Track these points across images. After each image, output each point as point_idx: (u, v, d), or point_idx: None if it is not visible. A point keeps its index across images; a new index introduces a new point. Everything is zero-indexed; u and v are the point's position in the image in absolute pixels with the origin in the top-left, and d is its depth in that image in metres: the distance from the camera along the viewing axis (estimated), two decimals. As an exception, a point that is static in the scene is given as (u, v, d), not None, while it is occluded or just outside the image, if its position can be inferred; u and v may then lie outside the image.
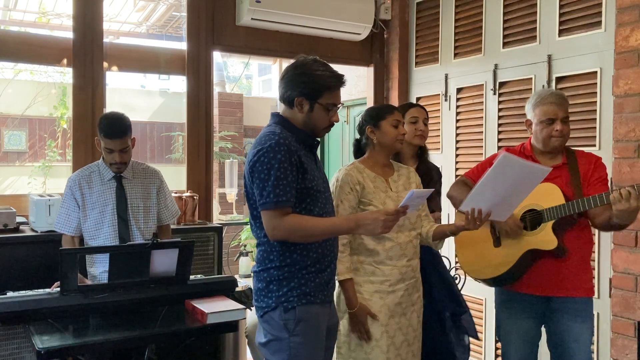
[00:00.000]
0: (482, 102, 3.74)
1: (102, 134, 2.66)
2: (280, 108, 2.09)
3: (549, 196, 2.31)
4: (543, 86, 3.33)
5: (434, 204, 2.74)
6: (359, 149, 2.52)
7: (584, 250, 2.37)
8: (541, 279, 2.36)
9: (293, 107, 2.01)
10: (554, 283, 2.34)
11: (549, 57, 3.31)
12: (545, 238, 2.30)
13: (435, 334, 2.68)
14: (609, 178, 2.43)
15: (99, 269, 2.69)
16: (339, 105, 2.05)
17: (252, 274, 2.09)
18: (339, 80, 2.02)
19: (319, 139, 2.11)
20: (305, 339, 1.97)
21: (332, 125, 2.08)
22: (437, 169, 2.90)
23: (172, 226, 3.07)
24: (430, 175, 2.74)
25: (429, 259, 2.60)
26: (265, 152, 1.90)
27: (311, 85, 1.98)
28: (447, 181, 3.81)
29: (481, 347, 3.73)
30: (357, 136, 2.54)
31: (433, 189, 2.15)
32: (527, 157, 2.42)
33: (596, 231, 2.96)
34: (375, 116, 2.41)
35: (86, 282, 2.65)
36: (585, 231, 2.38)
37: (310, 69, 1.99)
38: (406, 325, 2.36)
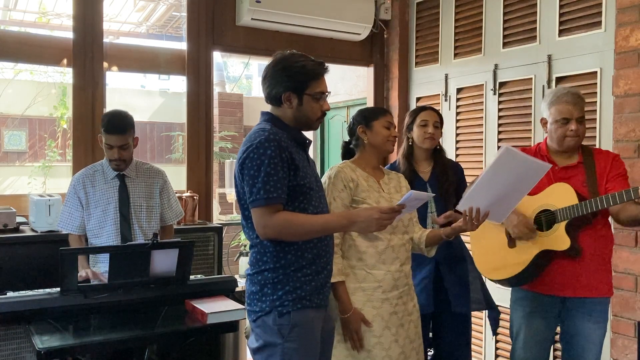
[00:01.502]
0: (482, 102, 3.74)
1: (103, 129, 2.69)
2: (268, 107, 2.04)
3: (563, 196, 2.29)
4: (543, 86, 3.33)
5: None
6: (347, 151, 2.47)
7: (601, 249, 2.34)
8: (557, 279, 2.34)
9: (281, 105, 1.97)
10: (570, 283, 2.33)
11: (549, 57, 3.31)
12: (558, 238, 2.29)
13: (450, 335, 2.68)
14: None
15: (101, 269, 2.68)
16: (326, 94, 2.01)
17: (246, 277, 2.02)
18: (322, 67, 1.98)
19: (310, 139, 2.06)
20: (300, 344, 1.90)
21: (324, 115, 2.03)
22: (455, 166, 2.86)
23: (173, 225, 3.07)
24: (445, 176, 2.71)
25: (446, 255, 2.60)
26: (255, 148, 1.86)
27: (296, 77, 1.93)
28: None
29: (481, 347, 3.73)
30: (347, 138, 2.48)
31: (433, 194, 2.11)
32: (543, 157, 2.39)
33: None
34: (367, 116, 2.37)
35: (98, 275, 2.63)
36: (603, 230, 2.35)
37: (291, 62, 1.95)
38: (403, 336, 2.25)
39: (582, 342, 2.34)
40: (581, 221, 2.28)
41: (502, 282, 2.48)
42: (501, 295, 3.38)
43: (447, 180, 2.70)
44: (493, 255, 2.49)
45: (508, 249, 2.42)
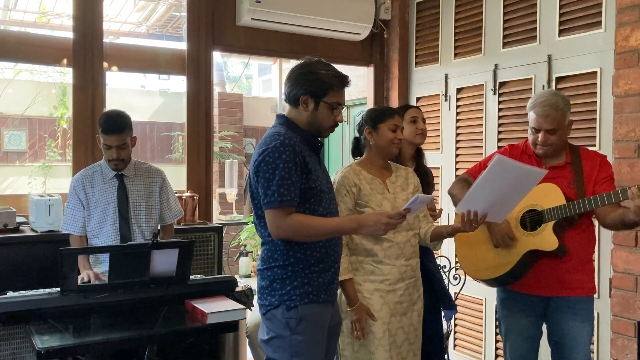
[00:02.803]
0: (482, 102, 3.74)
1: (100, 130, 2.69)
2: (284, 109, 2.11)
3: (550, 196, 2.30)
4: (543, 86, 3.33)
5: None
6: (357, 147, 2.53)
7: (585, 249, 2.36)
8: (541, 279, 2.35)
9: (298, 106, 2.05)
10: (554, 284, 2.34)
11: (549, 57, 3.31)
12: (546, 239, 2.30)
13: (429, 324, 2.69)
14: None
15: (101, 269, 2.68)
16: (343, 106, 2.09)
17: (256, 272, 2.12)
18: (344, 80, 2.07)
19: (322, 142, 2.14)
20: (307, 337, 1.99)
21: (337, 125, 2.11)
22: (430, 171, 2.91)
23: (173, 224, 3.07)
24: (427, 179, 2.76)
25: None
26: (271, 152, 1.93)
27: (317, 84, 2.01)
28: (448, 181, 3.82)
29: (481, 347, 3.73)
30: (357, 134, 2.54)
31: (434, 196, 2.16)
32: (529, 156, 2.41)
33: (596, 230, 2.96)
34: (375, 118, 2.41)
35: (100, 276, 2.63)
36: (588, 231, 2.37)
37: (316, 68, 2.04)
38: (407, 324, 2.37)
39: (570, 342, 2.35)
40: (567, 222, 2.30)
41: (489, 282, 2.49)
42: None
43: (429, 183, 2.76)
44: (478, 255, 2.50)
45: (495, 248, 2.43)
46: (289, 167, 1.92)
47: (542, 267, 2.35)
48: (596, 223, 2.46)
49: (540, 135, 2.31)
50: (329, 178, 2.17)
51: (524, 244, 2.35)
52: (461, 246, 2.59)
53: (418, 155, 2.81)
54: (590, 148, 2.61)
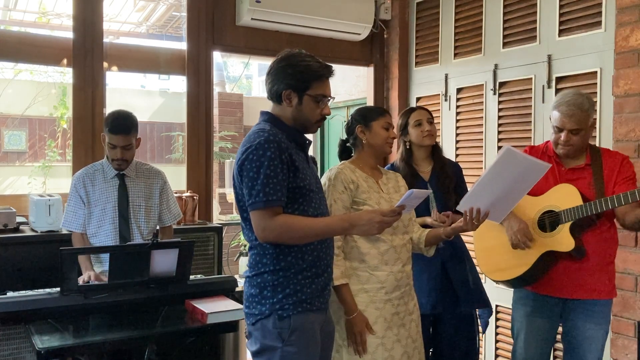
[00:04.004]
0: (482, 102, 3.74)
1: (107, 129, 2.69)
2: (269, 107, 2.01)
3: (567, 197, 2.28)
4: (543, 86, 3.33)
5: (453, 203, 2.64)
6: (344, 150, 2.46)
7: (605, 252, 2.32)
8: (559, 281, 2.33)
9: (281, 102, 1.93)
10: (571, 285, 2.32)
11: (549, 57, 3.31)
12: (562, 240, 2.27)
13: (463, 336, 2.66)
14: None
15: (99, 269, 2.69)
16: (329, 98, 1.96)
17: (244, 279, 1.99)
18: (327, 69, 1.95)
19: (310, 139, 2.03)
20: (300, 348, 1.87)
21: (324, 118, 1.99)
22: (454, 164, 2.87)
23: (172, 226, 3.07)
24: (445, 173, 2.72)
25: (451, 254, 2.60)
26: (254, 149, 1.81)
27: (298, 76, 1.89)
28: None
29: (481, 347, 3.73)
30: (344, 137, 2.46)
31: (430, 190, 2.11)
32: (549, 157, 2.39)
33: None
34: (367, 116, 2.34)
35: (100, 277, 2.64)
36: (608, 233, 2.33)
37: (296, 60, 1.92)
38: (405, 336, 2.23)
39: (583, 344, 2.33)
40: (586, 223, 2.27)
41: (505, 283, 2.48)
42: (501, 295, 3.38)
43: (447, 177, 2.70)
44: (497, 256, 2.48)
45: (512, 250, 2.40)
46: (274, 165, 1.79)
47: (560, 269, 2.32)
48: (618, 225, 2.42)
49: (562, 134, 2.28)
50: (318, 178, 2.03)
51: (541, 245, 2.33)
52: (480, 248, 2.58)
53: (435, 152, 2.78)
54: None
